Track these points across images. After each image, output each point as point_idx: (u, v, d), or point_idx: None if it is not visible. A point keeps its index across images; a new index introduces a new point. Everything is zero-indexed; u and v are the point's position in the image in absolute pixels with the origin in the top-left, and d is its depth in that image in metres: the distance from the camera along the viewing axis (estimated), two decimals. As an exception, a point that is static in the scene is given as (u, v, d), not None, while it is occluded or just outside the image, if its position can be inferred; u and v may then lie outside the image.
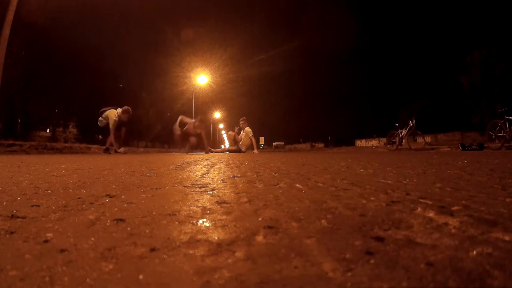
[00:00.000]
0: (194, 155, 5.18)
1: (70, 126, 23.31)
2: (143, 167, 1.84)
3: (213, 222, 0.51)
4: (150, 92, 30.87)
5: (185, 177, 1.25)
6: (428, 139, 24.44)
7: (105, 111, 7.43)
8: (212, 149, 9.30)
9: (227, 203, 0.66)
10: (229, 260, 0.34)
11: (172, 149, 19.25)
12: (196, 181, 1.10)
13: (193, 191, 0.85)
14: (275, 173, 1.35)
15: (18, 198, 0.74)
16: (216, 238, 0.42)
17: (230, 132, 9.73)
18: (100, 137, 20.88)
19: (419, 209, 0.56)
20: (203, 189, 0.89)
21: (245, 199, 0.70)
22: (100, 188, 0.91)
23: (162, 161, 2.83)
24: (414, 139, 11.42)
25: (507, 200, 0.63)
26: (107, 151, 7.35)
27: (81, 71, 21.33)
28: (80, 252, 0.37)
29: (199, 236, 0.43)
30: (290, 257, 0.34)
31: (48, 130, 22.92)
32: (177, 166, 2.00)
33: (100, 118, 7.45)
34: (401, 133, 9.11)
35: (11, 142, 7.47)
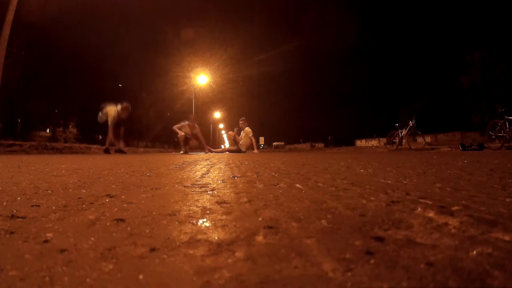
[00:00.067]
0: (194, 155, 5.18)
1: (70, 126, 23.32)
2: (143, 167, 1.84)
3: (213, 222, 0.51)
4: (150, 92, 30.89)
5: (185, 177, 1.25)
6: (428, 139, 24.44)
7: (105, 106, 7.40)
8: (212, 149, 9.30)
9: (227, 203, 0.66)
10: (229, 260, 0.34)
11: (173, 149, 19.25)
12: (196, 181, 1.10)
13: (193, 191, 0.85)
14: (275, 173, 1.35)
15: (18, 198, 0.74)
16: (216, 238, 0.42)
17: (230, 132, 9.73)
18: (100, 137, 20.91)
19: (419, 209, 0.56)
20: (203, 189, 0.89)
21: (245, 199, 0.70)
22: (100, 188, 0.91)
23: (162, 161, 2.83)
24: (414, 139, 11.42)
25: (507, 200, 0.63)
26: (107, 151, 7.34)
27: (81, 71, 21.34)
28: (80, 252, 0.37)
29: (199, 236, 0.43)
30: (290, 257, 0.34)
31: (48, 130, 22.93)
32: (177, 166, 2.00)
33: (100, 114, 7.42)
34: (401, 133, 9.11)
35: (11, 142, 7.47)
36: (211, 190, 0.86)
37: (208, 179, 1.15)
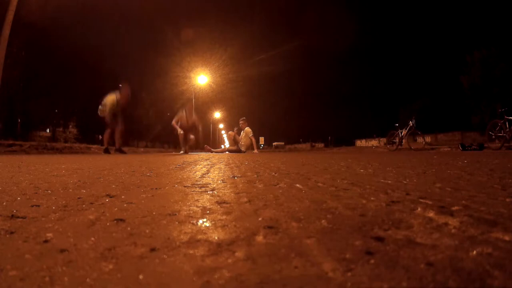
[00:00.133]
0: (194, 155, 5.18)
1: (70, 126, 23.32)
2: (143, 167, 1.84)
3: (213, 222, 0.51)
4: (150, 92, 30.85)
5: (185, 177, 1.25)
6: (428, 139, 24.45)
7: (105, 98, 7.12)
8: (212, 149, 9.29)
9: (227, 203, 0.66)
10: (229, 260, 0.34)
11: (173, 149, 19.24)
12: (196, 181, 1.10)
13: (193, 191, 0.85)
14: (275, 173, 1.35)
15: (18, 198, 0.74)
16: (216, 238, 0.42)
17: (230, 132, 9.72)
18: (100, 137, 20.87)
19: (419, 209, 0.56)
20: (203, 189, 0.89)
21: (245, 199, 0.70)
22: (100, 188, 0.91)
23: (162, 161, 2.83)
24: (414, 139, 11.42)
25: (507, 200, 0.63)
26: (107, 151, 7.32)
27: (81, 71, 21.32)
28: (80, 252, 0.37)
29: (199, 236, 0.43)
30: (290, 257, 0.34)
31: (48, 130, 22.93)
32: (177, 166, 2.00)
33: (100, 107, 7.14)
34: (401, 133, 9.11)
35: (11, 142, 7.46)
36: (211, 190, 0.86)
37: (208, 179, 1.15)
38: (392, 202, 0.63)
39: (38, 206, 0.64)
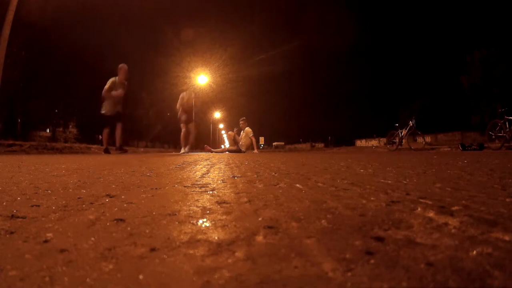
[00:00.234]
0: (194, 155, 5.18)
1: (70, 126, 23.34)
2: (143, 167, 1.84)
3: (213, 222, 0.51)
4: (150, 92, 30.84)
5: (185, 177, 1.25)
6: (428, 139, 24.45)
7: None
8: (212, 149, 9.30)
9: (227, 203, 0.66)
10: (229, 260, 0.34)
11: (173, 149, 19.23)
12: (196, 181, 1.10)
13: (193, 191, 0.85)
14: (275, 173, 1.35)
15: (18, 198, 0.74)
16: (216, 238, 0.42)
17: (230, 132, 9.73)
18: (100, 137, 20.87)
19: (419, 209, 0.56)
20: (203, 189, 0.89)
21: (245, 199, 0.70)
22: (100, 188, 0.91)
23: (162, 161, 2.83)
24: (414, 139, 11.42)
25: (507, 200, 0.63)
26: (107, 151, 7.30)
27: (81, 71, 21.32)
28: (80, 252, 0.37)
29: (199, 236, 0.43)
30: (290, 257, 0.34)
31: (48, 130, 22.95)
32: (177, 166, 2.00)
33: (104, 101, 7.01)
34: (401, 133, 9.12)
35: (11, 142, 7.46)
36: (211, 190, 0.86)
37: (208, 179, 1.15)
38: (392, 202, 0.63)
39: (38, 206, 0.64)
